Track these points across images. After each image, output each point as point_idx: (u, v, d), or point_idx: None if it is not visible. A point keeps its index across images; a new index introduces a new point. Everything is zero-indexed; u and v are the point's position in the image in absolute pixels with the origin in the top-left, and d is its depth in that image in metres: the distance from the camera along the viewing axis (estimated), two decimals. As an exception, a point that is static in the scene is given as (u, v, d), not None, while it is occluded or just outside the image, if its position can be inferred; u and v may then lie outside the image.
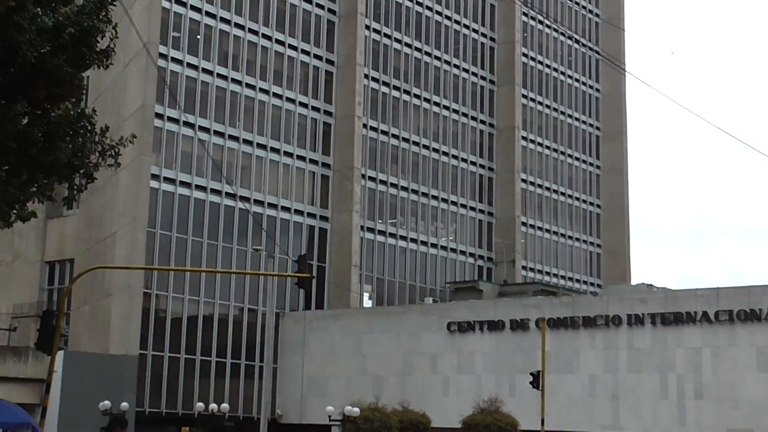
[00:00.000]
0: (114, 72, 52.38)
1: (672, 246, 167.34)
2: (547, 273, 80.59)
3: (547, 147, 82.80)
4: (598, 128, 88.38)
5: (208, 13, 61.05)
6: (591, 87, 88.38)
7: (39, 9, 20.41)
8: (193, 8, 60.41)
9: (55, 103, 21.61)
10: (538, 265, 79.96)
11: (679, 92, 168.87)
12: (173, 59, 59.08)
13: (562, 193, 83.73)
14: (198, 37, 60.75)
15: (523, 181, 79.02)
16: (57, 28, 20.44)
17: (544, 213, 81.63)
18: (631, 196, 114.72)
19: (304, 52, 66.36)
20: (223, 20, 61.85)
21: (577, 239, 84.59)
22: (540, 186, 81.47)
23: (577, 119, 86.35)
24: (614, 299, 53.84)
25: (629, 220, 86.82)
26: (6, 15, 17.81)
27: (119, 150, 23.71)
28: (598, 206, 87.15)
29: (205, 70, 60.63)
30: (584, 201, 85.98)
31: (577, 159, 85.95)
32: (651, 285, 58.22)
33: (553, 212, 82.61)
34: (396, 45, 71.89)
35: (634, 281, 78.85)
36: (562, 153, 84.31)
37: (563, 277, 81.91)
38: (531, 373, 44.81)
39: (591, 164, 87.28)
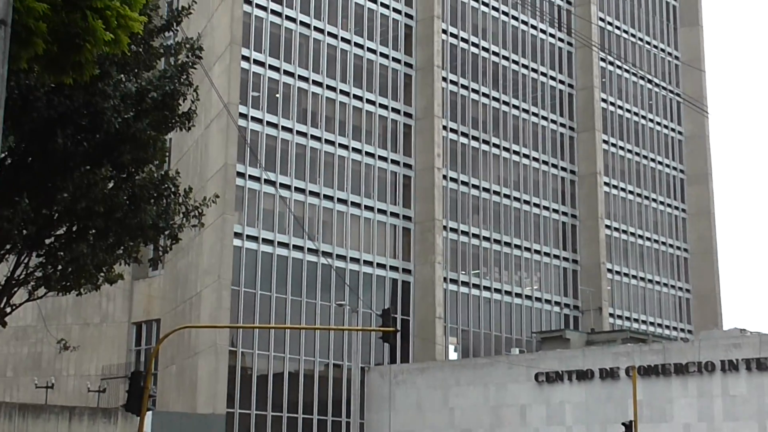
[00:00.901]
0: (196, 133, 53.34)
1: (764, 289, 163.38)
2: (636, 320, 79.23)
3: (631, 192, 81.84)
4: (682, 171, 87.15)
5: (286, 72, 61.89)
6: (673, 130, 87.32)
7: (123, 75, 20.83)
8: (272, 68, 61.31)
9: (139, 167, 21.97)
10: (625, 312, 78.68)
11: (764, 131, 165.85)
12: (253, 118, 59.94)
13: (648, 238, 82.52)
14: (277, 95, 61.59)
15: (607, 227, 78.11)
16: (140, 93, 20.83)
17: (630, 259, 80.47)
18: (720, 239, 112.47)
19: (382, 106, 66.81)
20: (301, 78, 62.63)
21: (665, 284, 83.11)
22: (625, 231, 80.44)
23: (660, 163, 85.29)
24: (706, 345, 52.58)
25: (718, 263, 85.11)
26: (91, 83, 18.20)
27: (203, 210, 24.02)
28: (686, 250, 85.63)
29: (284, 128, 61.36)
30: (671, 245, 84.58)
31: (662, 203, 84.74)
32: (744, 329, 56.76)
33: (639, 258, 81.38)
34: (473, 95, 71.98)
35: (726, 326, 77.04)
36: (646, 197, 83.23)
37: (652, 324, 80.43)
38: (623, 424, 43.82)
39: (676, 208, 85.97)
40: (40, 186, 20.40)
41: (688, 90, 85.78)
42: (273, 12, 61.84)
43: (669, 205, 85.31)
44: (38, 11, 10.70)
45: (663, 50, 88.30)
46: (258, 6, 61.04)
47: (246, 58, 59.84)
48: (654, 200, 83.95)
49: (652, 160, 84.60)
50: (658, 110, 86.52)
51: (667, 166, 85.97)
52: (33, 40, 10.90)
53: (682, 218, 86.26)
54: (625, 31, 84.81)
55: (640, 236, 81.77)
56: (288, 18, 62.48)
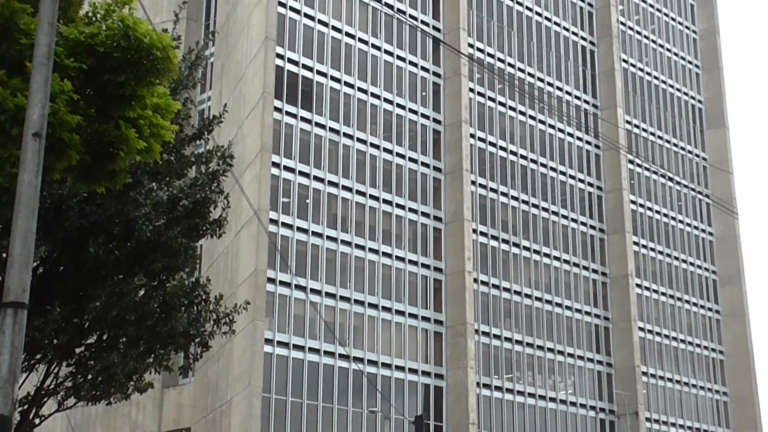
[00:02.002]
0: (226, 239, 53.50)
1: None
2: (673, 424, 77.65)
3: (663, 293, 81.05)
4: (714, 272, 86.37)
5: (316, 178, 62.27)
6: (703, 231, 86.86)
7: (154, 183, 20.91)
8: (302, 173, 61.71)
9: (170, 274, 21.91)
10: (662, 416, 77.19)
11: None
12: (283, 224, 60.13)
13: (682, 340, 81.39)
14: (307, 201, 61.88)
15: (641, 329, 77.16)
16: (172, 201, 20.88)
17: (665, 361, 79.26)
18: (755, 340, 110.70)
19: (411, 210, 66.93)
20: (331, 183, 62.97)
21: (702, 387, 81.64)
22: (659, 333, 79.41)
23: (691, 264, 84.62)
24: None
25: (755, 365, 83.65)
26: (123, 191, 18.27)
27: (234, 317, 23.86)
28: (721, 352, 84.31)
29: (315, 233, 61.48)
30: (706, 347, 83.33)
31: (695, 304, 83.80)
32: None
33: (674, 360, 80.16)
34: (503, 198, 72.04)
35: (765, 429, 75.42)
36: (679, 299, 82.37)
37: (690, 428, 78.79)
38: None
39: (710, 309, 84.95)
40: (71, 295, 20.34)
41: (717, 191, 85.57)
42: (303, 119, 62.52)
43: (702, 307, 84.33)
44: (72, 123, 10.75)
45: (690, 152, 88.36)
46: (288, 113, 61.77)
47: (276, 165, 60.32)
48: (687, 302, 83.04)
49: (684, 261, 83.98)
50: (688, 211, 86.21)
51: (699, 267, 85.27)
52: (67, 152, 10.93)
53: (717, 319, 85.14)
54: (652, 134, 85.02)
55: (675, 338, 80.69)
56: (318, 125, 63.13)
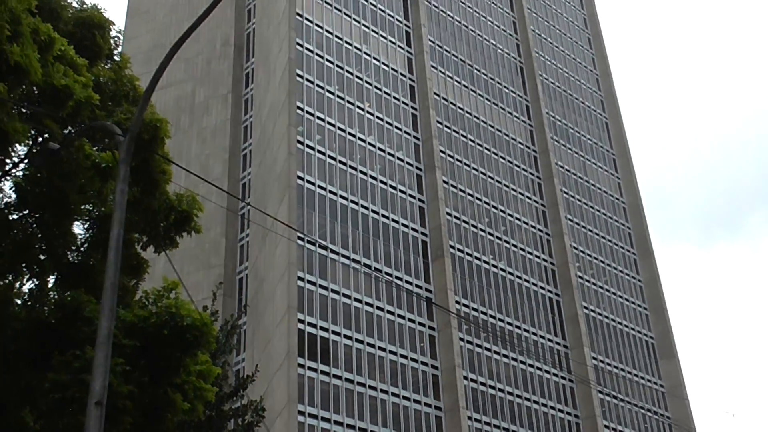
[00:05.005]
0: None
1: None
2: None
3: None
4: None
5: (336, 422, 60.76)
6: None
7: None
8: (324, 419, 60.24)
9: None
10: None
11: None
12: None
13: None
14: (328, 442, 60.12)
15: None
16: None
17: None
18: None
19: (418, 445, 64.91)
20: (349, 426, 61.27)
21: None
22: None
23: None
24: None
25: None
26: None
27: None
28: None
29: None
30: None
31: None
32: None
33: None
34: (495, 430, 70.01)
35: None
36: None
37: None
38: None
39: None
40: None
41: (675, 413, 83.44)
42: (322, 372, 61.80)
43: None
44: (125, 391, 10.55)
45: (649, 380, 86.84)
46: (310, 368, 61.12)
47: (302, 413, 59.04)
48: None
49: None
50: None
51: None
52: (122, 418, 10.66)
53: None
54: (615, 367, 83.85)
55: None
56: (335, 376, 62.34)
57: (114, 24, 19.35)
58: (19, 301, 15.52)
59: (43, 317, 13.21)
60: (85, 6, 19.08)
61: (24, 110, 14.91)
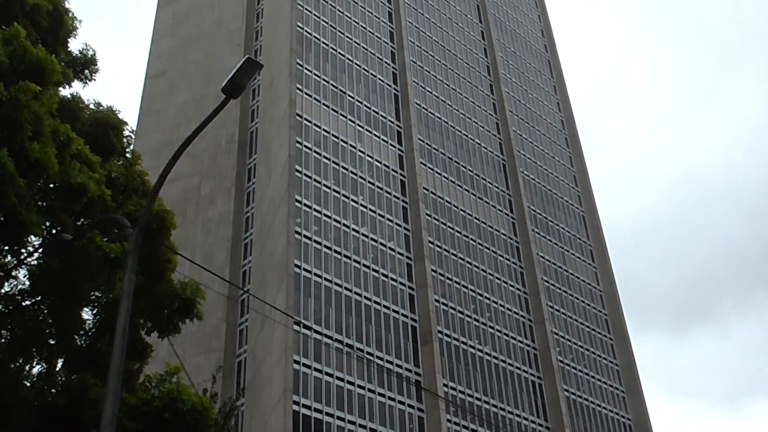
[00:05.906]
0: None
1: None
2: None
3: None
4: None
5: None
6: None
7: None
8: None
9: None
10: None
11: None
12: None
13: None
14: None
15: None
16: None
17: None
18: None
19: None
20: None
21: None
22: None
23: None
24: None
25: None
26: None
27: None
28: None
29: None
30: None
31: None
32: None
33: None
34: None
35: None
36: None
37: None
38: None
39: None
40: None
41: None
42: (316, 410, 60.62)
43: None
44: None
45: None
46: (305, 406, 59.95)
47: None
48: None
49: None
50: None
51: None
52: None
53: None
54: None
55: None
56: (327, 414, 61.10)
57: (127, 124, 19.66)
58: (27, 383, 15.34)
59: (51, 400, 13.05)
60: (101, 108, 19.40)
61: (41, 204, 15.01)
